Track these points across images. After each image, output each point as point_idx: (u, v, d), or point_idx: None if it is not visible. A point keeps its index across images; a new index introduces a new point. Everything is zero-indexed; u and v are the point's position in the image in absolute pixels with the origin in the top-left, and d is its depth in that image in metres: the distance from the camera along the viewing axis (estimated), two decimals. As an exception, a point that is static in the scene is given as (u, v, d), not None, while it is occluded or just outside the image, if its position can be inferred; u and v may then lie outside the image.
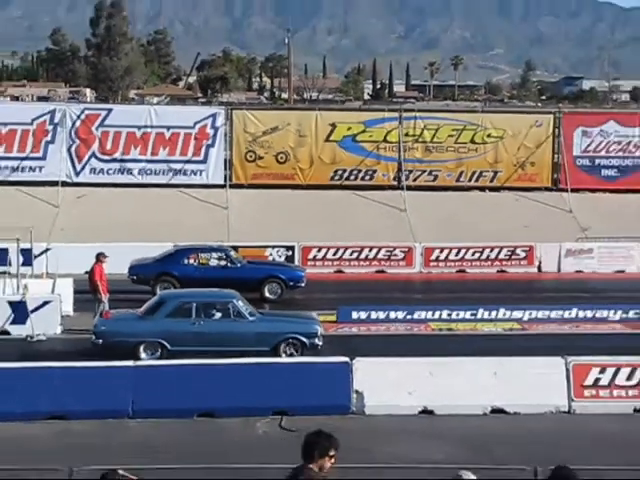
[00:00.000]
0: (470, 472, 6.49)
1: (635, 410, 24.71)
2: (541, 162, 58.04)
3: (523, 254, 47.30)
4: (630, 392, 24.96)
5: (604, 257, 47.01)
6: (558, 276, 46.44)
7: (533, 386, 24.60)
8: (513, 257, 47.22)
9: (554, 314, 35.02)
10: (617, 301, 37.32)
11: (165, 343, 27.90)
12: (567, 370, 24.97)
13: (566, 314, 35.07)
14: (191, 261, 39.50)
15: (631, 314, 35.36)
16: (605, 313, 35.41)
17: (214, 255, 40.03)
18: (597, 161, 58.01)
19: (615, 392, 24.97)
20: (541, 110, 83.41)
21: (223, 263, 39.51)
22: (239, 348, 26.67)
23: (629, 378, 25.07)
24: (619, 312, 35.47)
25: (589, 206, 54.14)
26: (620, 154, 57.98)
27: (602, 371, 25.12)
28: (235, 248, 41.66)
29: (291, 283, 39.81)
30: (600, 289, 41.34)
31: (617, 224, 50.12)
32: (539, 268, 47.22)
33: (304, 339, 28.81)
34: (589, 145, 58.06)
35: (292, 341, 28.78)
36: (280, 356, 27.97)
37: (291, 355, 28.27)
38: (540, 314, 34.85)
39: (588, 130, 58.57)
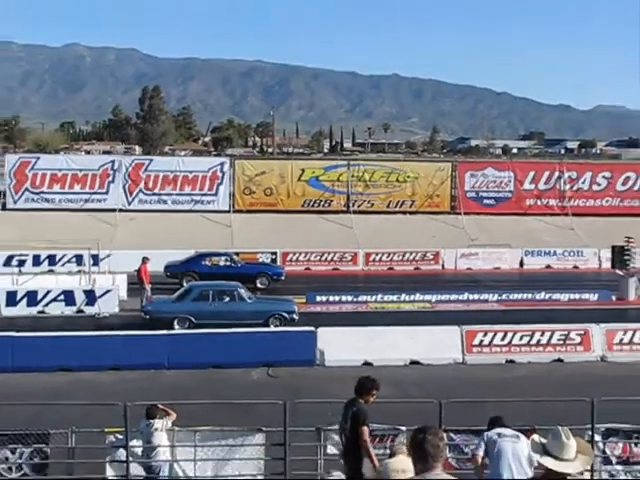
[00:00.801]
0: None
1: (506, 361, 24.93)
2: (443, 194, 58.37)
3: (432, 256, 47.51)
4: (503, 349, 25.21)
5: (486, 258, 47.37)
6: (455, 271, 46.60)
7: (439, 346, 24.87)
8: (425, 258, 47.45)
9: (453, 297, 35.22)
10: (494, 288, 37.58)
11: (192, 318, 28.18)
12: (461, 335, 25.18)
13: (461, 297, 35.33)
14: (207, 262, 39.52)
15: (504, 296, 35.64)
16: (487, 296, 35.65)
17: (222, 258, 40.16)
18: (480, 194, 58.36)
19: (493, 349, 25.19)
20: (443, 160, 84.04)
21: (228, 264, 39.63)
22: (242, 321, 26.95)
23: (502, 339, 25.29)
24: (496, 295, 35.74)
25: (475, 224, 54.35)
26: (495, 189, 58.48)
27: (484, 335, 25.37)
28: (236, 254, 41.78)
29: (275, 277, 40.05)
30: (483, 280, 41.56)
31: (494, 236, 50.47)
32: (442, 266, 47.46)
33: (285, 315, 29.20)
34: (475, 183, 58.42)
35: (277, 316, 29.08)
36: (269, 327, 28.25)
37: (277, 326, 28.50)
38: (443, 297, 35.02)
39: (474, 173, 59.07)
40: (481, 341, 25.28)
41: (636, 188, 59.85)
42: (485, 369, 24.12)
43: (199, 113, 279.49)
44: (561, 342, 25.55)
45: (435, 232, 51.94)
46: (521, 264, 48.02)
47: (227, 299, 29.62)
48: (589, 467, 6.07)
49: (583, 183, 59.60)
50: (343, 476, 12.88)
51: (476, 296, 35.52)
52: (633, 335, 26.03)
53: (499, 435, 9.99)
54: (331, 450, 14.72)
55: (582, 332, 25.88)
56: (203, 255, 40.74)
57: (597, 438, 15.12)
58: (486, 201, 58.54)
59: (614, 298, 35.41)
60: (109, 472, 13.91)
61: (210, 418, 14.85)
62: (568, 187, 58.98)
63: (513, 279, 42.94)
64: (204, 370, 22.72)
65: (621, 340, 25.91)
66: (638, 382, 21.81)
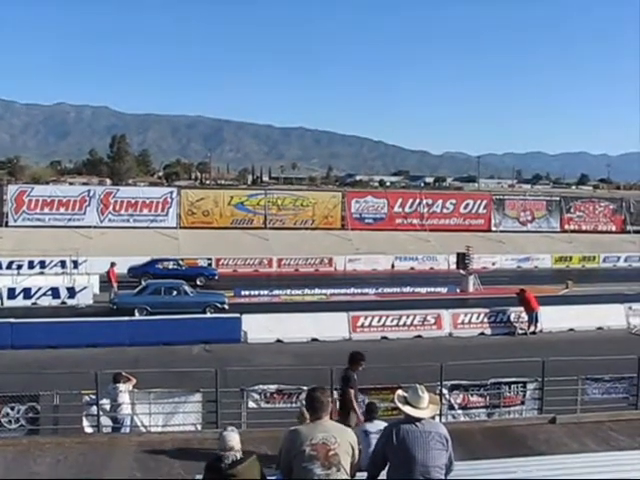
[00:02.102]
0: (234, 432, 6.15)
1: (381, 337, 25.11)
2: (335, 215, 58.76)
3: (327, 261, 47.67)
4: (379, 329, 25.36)
5: (366, 262, 47.73)
6: (344, 272, 46.77)
7: (332, 327, 24.89)
8: (322, 262, 47.58)
9: (342, 291, 35.29)
10: (373, 284, 37.82)
11: (148, 308, 27.69)
12: (348, 319, 25.26)
13: (348, 291, 35.42)
14: (159, 266, 39.12)
15: (379, 290, 35.90)
16: (367, 290, 35.87)
17: (171, 263, 39.90)
18: (362, 215, 58.90)
19: (372, 329, 25.31)
20: (335, 190, 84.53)
21: (175, 267, 39.41)
22: (186, 310, 26.63)
23: (378, 321, 25.47)
24: (374, 289, 36.01)
25: (359, 237, 54.74)
26: (374, 212, 59.14)
27: (365, 318, 25.48)
28: (182, 259, 41.46)
29: (210, 277, 39.97)
30: (365, 278, 41.77)
31: (372, 246, 50.92)
32: (335, 268, 47.60)
33: (219, 305, 29.14)
34: (359, 207, 58.98)
35: (212, 306, 28.93)
36: (206, 314, 27.96)
37: (212, 313, 28.22)
38: (336, 291, 35.04)
39: (358, 200, 59.73)
40: (363, 323, 25.40)
41: (474, 211, 61.34)
42: (366, 343, 24.13)
43: (155, 155, 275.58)
44: (420, 323, 25.88)
45: (330, 243, 52.18)
46: (392, 266, 48.44)
47: (175, 293, 29.20)
48: (437, 412, 6.23)
49: (437, 207, 60.81)
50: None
51: (359, 290, 35.67)
52: (471, 317, 26.62)
53: (366, 433, 9.58)
54: (251, 405, 14.74)
55: (436, 315, 26.28)
56: (156, 260, 40.24)
57: (445, 392, 15.42)
58: (367, 220, 59.13)
59: (458, 290, 36.03)
60: (85, 423, 13.90)
61: (161, 382, 14.78)
62: (426, 210, 60.03)
63: (386, 277, 43.17)
64: (157, 347, 22.40)
65: (463, 320, 26.42)
66: (474, 350, 22.29)
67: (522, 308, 26.83)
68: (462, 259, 37.29)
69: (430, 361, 16.57)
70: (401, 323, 25.70)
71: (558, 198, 67.50)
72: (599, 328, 27.21)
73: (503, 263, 50.06)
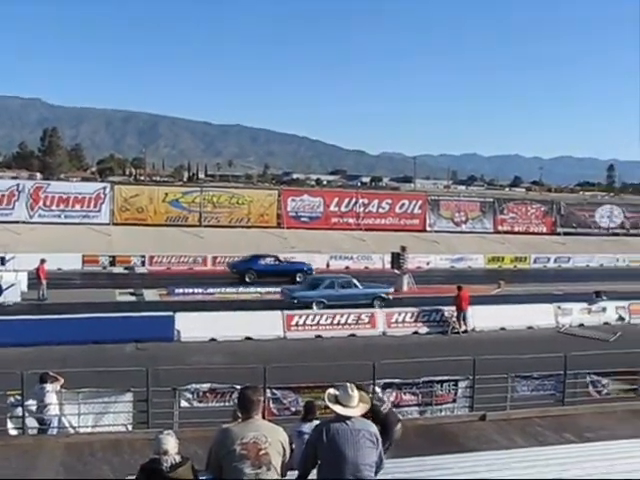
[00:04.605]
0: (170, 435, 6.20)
1: (315, 336, 25.18)
2: (271, 214, 58.72)
3: (262, 259, 47.58)
4: (313, 327, 25.46)
5: (302, 261, 47.72)
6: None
7: (266, 326, 24.90)
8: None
9: (278, 289, 35.18)
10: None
11: (325, 301, 29.42)
12: (283, 317, 25.28)
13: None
14: (262, 262, 40.69)
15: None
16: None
17: (273, 259, 41.56)
18: (299, 213, 59.05)
19: (306, 328, 25.40)
20: (272, 188, 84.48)
21: (277, 262, 41.37)
22: (356, 302, 28.70)
23: (313, 320, 25.59)
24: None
25: (295, 236, 54.79)
26: (310, 210, 59.32)
27: (300, 317, 25.58)
28: (114, 257, 40.98)
29: (308, 272, 40.64)
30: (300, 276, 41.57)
31: (308, 245, 50.98)
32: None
33: (384, 296, 30.88)
34: (295, 206, 59.14)
35: (379, 297, 30.63)
36: (374, 306, 29.15)
37: (380, 305, 29.61)
38: (270, 289, 34.68)
39: (294, 198, 59.89)
40: (297, 322, 25.47)
41: (409, 211, 62.03)
42: (300, 342, 24.32)
43: (88, 149, 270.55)
44: (354, 322, 26.08)
45: (266, 242, 52.01)
46: (327, 265, 48.48)
47: (346, 286, 30.75)
48: (367, 411, 6.28)
49: (372, 207, 61.27)
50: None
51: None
52: (405, 316, 26.93)
53: (300, 433, 9.50)
54: (184, 404, 14.63)
55: (370, 314, 26.53)
56: (258, 256, 41.28)
57: (378, 390, 15.54)
58: (303, 219, 59.26)
59: (393, 290, 36.29)
60: (9, 425, 13.47)
61: (91, 382, 14.50)
62: (362, 210, 60.44)
63: (322, 276, 43.16)
64: (86, 346, 21.96)
65: (396, 320, 26.71)
66: (407, 349, 22.54)
67: (455, 307, 27.27)
68: (397, 259, 37.63)
69: (364, 360, 16.67)
70: (335, 322, 25.84)
71: (492, 199, 68.83)
72: (529, 327, 27.88)
73: (437, 263, 50.72)
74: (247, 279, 38.75)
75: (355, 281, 31.35)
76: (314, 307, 28.53)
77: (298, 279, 39.03)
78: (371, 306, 29.20)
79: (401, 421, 8.45)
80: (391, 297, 31.32)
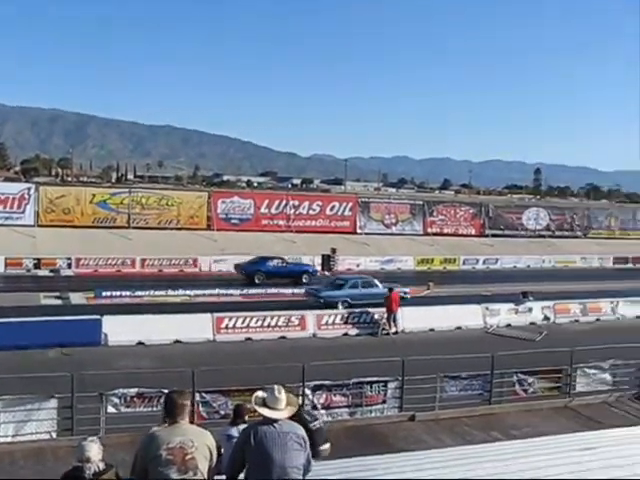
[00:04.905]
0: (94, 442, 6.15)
1: (246, 339, 25.07)
2: (201, 215, 58.18)
3: (192, 261, 47.02)
4: (243, 330, 25.31)
5: (233, 263, 47.30)
6: (210, 273, 46.09)
7: (195, 328, 24.69)
8: (187, 263, 46.92)
9: (207, 292, 35.00)
10: (238, 285, 37.69)
11: (349, 300, 30.71)
12: (212, 320, 25.07)
13: (213, 292, 35.07)
14: (270, 264, 41.47)
15: (244, 291, 35.78)
16: (232, 291, 35.68)
17: (280, 261, 42.35)
18: (229, 215, 58.70)
19: (236, 330, 25.23)
20: (202, 190, 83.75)
21: (284, 264, 42.20)
22: (376, 301, 28.88)
23: (242, 323, 25.44)
24: (239, 290, 35.91)
25: (225, 238, 54.46)
26: (240, 212, 59.07)
27: (229, 320, 25.38)
28: (39, 260, 40.03)
29: (313, 273, 42.07)
30: (230, 279, 41.06)
31: (239, 247, 50.73)
32: (200, 269, 47.02)
33: (403, 295, 30.67)
34: (225, 208, 58.77)
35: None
36: None
37: None
38: (200, 292, 34.67)
39: (225, 200, 59.42)
40: (227, 324, 25.28)
41: (339, 213, 62.37)
42: (230, 345, 24.19)
43: (12, 149, 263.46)
44: (285, 324, 26.03)
45: (195, 243, 51.56)
46: (258, 267, 48.33)
47: (368, 286, 31.92)
48: (294, 413, 6.29)
49: (303, 209, 61.33)
50: None
51: (224, 291, 35.49)
52: (335, 318, 27.09)
53: (229, 437, 9.34)
54: (111, 410, 14.39)
55: (300, 316, 26.51)
56: (266, 258, 41.93)
57: (308, 392, 15.60)
58: (233, 221, 58.92)
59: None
60: None
61: (13, 389, 14.11)
62: (292, 212, 60.48)
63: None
64: (9, 351, 21.30)
65: (327, 322, 26.80)
66: (338, 351, 22.64)
67: (385, 308, 27.53)
68: (327, 260, 37.84)
69: (294, 362, 16.70)
70: (265, 324, 25.75)
71: (421, 202, 69.69)
72: (458, 328, 28.34)
73: (367, 265, 51.00)
74: (256, 280, 39.68)
75: (376, 281, 32.77)
76: (339, 306, 29.96)
77: (304, 280, 40.38)
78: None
79: (329, 441, 8.46)
80: (409, 296, 32.52)
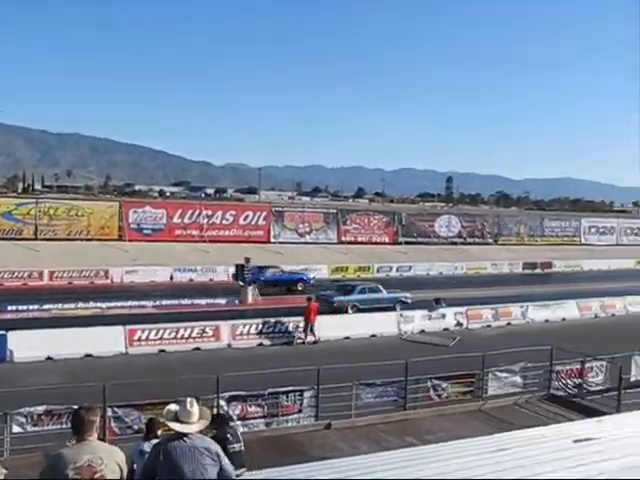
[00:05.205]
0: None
1: (159, 351, 24.67)
2: (112, 226, 57.42)
3: (103, 273, 45.81)
4: (156, 342, 24.92)
5: (145, 274, 46.43)
6: (121, 284, 44.80)
7: (107, 342, 24.16)
8: (98, 275, 45.69)
9: (119, 304, 34.17)
10: (151, 296, 37.04)
11: (358, 305, 33.68)
12: (125, 332, 24.58)
13: (125, 303, 34.31)
14: (269, 273, 43.26)
15: (157, 302, 35.22)
16: (145, 302, 35.08)
17: (277, 270, 44.52)
18: (141, 225, 58.02)
19: (149, 342, 24.82)
20: (113, 199, 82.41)
21: (281, 273, 44.48)
22: (383, 305, 33.64)
23: (156, 334, 25.06)
24: (152, 301, 35.29)
25: (137, 248, 53.60)
26: (152, 222, 58.49)
27: (142, 332, 24.96)
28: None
29: (307, 282, 44.41)
30: (143, 290, 40.40)
31: (151, 257, 49.96)
32: (111, 280, 45.86)
33: (404, 300, 35.05)
34: (137, 218, 58.07)
35: (400, 301, 34.80)
36: (396, 309, 32.94)
37: (401, 307, 33.47)
38: (112, 304, 33.80)
39: (136, 210, 58.94)
40: (140, 337, 24.82)
41: (253, 223, 62.32)
42: (143, 358, 23.76)
43: None
44: (199, 335, 25.75)
45: (104, 255, 50.44)
46: (171, 278, 47.66)
47: (374, 292, 34.90)
48: (221, 428, 6.23)
49: (217, 218, 61.17)
50: None
51: (137, 303, 34.85)
52: (250, 328, 26.92)
53: (141, 452, 9.05)
54: (16, 429, 13.91)
55: (214, 327, 26.26)
56: (262, 267, 42.84)
57: (222, 403, 15.46)
58: (145, 231, 58.28)
59: (237, 302, 36.24)
60: None
61: None
62: (206, 221, 60.12)
63: (165, 289, 42.24)
64: None
65: (241, 332, 26.63)
66: (253, 361, 22.50)
67: (302, 317, 27.56)
68: (241, 270, 37.63)
69: (209, 373, 16.50)
70: (179, 336, 25.42)
71: (335, 210, 70.33)
72: (373, 335, 28.60)
73: (282, 274, 51.04)
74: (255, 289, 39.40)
75: (381, 287, 35.75)
76: (349, 310, 32.66)
77: (299, 288, 42.86)
78: (393, 309, 33.05)
79: (245, 466, 8.41)
80: (409, 301, 35.19)
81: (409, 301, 35.08)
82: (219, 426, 9.00)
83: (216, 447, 6.11)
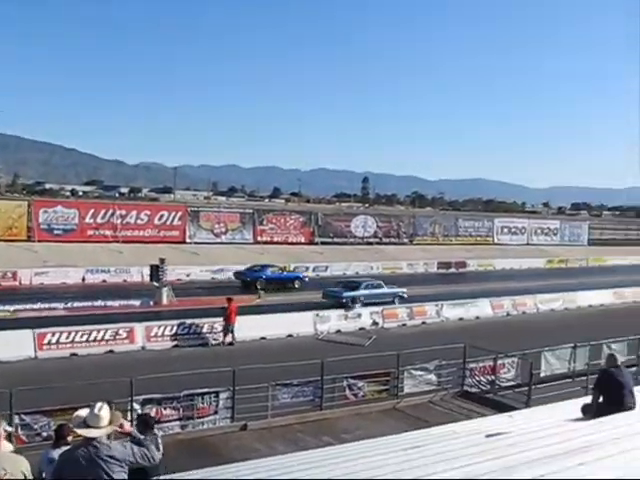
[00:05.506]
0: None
1: (71, 354, 24.09)
2: (21, 226, 55.73)
3: (11, 275, 44.26)
4: (68, 345, 24.44)
5: (56, 275, 45.22)
6: (31, 286, 43.18)
7: (14, 346, 23.45)
8: (5, 277, 44.06)
9: (29, 306, 33.05)
10: (62, 298, 36.02)
11: (363, 299, 36.38)
12: (34, 336, 23.94)
13: (35, 306, 33.15)
14: (269, 271, 45.89)
15: (69, 304, 34.32)
16: (56, 304, 34.08)
17: (276, 268, 47.04)
18: (51, 226, 56.55)
19: (60, 346, 24.23)
20: (22, 199, 79.41)
21: (280, 271, 47.03)
22: (384, 300, 36.36)
23: (67, 338, 24.48)
24: (63, 303, 34.36)
25: (47, 249, 52.26)
26: (64, 222, 57.17)
27: (52, 335, 24.38)
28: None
29: (302, 279, 47.04)
30: (53, 292, 39.24)
31: (62, 258, 48.80)
32: (20, 282, 44.36)
33: (401, 295, 38.26)
34: (47, 217, 56.54)
35: (399, 296, 38.06)
36: (395, 303, 36.54)
37: (400, 302, 36.73)
38: (21, 307, 32.66)
39: (47, 210, 57.35)
40: (50, 340, 24.19)
41: (168, 223, 61.54)
42: (53, 362, 23.15)
43: None
44: (112, 337, 25.27)
45: (12, 256, 48.84)
46: (83, 279, 46.49)
47: (377, 288, 37.87)
48: (116, 430, 6.11)
49: (131, 218, 60.10)
50: None
51: (47, 305, 33.84)
52: (164, 329, 26.58)
53: (50, 460, 8.75)
54: None
55: (128, 329, 25.85)
56: (265, 266, 46.50)
57: (137, 406, 15.21)
58: (56, 231, 56.83)
59: (152, 303, 35.72)
60: None
61: None
62: (119, 221, 59.02)
63: (77, 291, 40.87)
64: None
65: (156, 333, 26.28)
66: (168, 363, 22.24)
67: (218, 318, 27.41)
68: (156, 271, 37.07)
69: (122, 376, 16.22)
70: (92, 338, 24.87)
71: (251, 210, 70.14)
72: (289, 335, 28.64)
73: (197, 274, 50.50)
74: (258, 286, 42.63)
75: (382, 283, 38.89)
76: (356, 306, 34.78)
77: (296, 286, 45.52)
78: (392, 303, 36.31)
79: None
80: (406, 295, 38.28)
81: (406, 295, 38.18)
82: (143, 430, 8.86)
83: (124, 453, 5.96)
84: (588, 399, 10.07)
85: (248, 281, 44.59)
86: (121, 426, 6.31)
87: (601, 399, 9.63)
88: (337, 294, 36.47)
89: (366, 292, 36.96)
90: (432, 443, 7.01)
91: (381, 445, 7.66)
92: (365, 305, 34.90)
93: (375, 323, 31.87)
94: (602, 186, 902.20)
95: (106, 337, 25.17)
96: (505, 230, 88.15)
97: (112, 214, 59.35)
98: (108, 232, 58.51)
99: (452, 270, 64.05)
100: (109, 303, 34.98)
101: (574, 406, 9.68)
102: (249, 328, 27.87)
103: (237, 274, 46.76)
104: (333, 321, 30.76)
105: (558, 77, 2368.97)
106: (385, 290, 38.07)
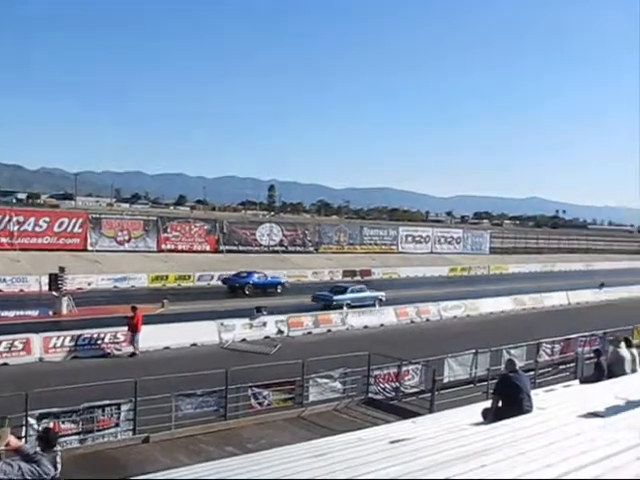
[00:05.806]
0: None
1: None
2: None
3: None
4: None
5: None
6: None
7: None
8: None
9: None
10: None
11: (350, 303, 40.03)
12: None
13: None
14: (256, 277, 48.71)
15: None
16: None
17: (261, 274, 49.47)
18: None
19: None
20: None
21: (264, 277, 49.33)
22: (367, 303, 40.54)
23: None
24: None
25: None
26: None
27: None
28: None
29: (284, 285, 50.41)
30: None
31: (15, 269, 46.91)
32: None
33: (382, 298, 42.17)
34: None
35: (379, 299, 41.83)
36: (375, 306, 39.63)
37: (380, 305, 40.18)
38: None
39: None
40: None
41: (69, 230, 59.79)
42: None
43: None
44: (7, 349, 24.31)
45: None
46: (-24, 290, 44.74)
47: (361, 292, 42.05)
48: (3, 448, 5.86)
49: (29, 225, 57.93)
50: None
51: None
52: (64, 340, 25.79)
53: None
54: None
55: (24, 340, 24.94)
56: (250, 272, 49.04)
57: (32, 421, 14.68)
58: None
59: (51, 313, 34.67)
60: None
61: None
62: (16, 228, 56.92)
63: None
64: None
65: (55, 344, 25.48)
66: (68, 375, 21.55)
67: (121, 328, 26.82)
68: (55, 280, 36.03)
69: (17, 390, 15.63)
70: (-16, 353, 23.88)
71: (155, 218, 68.97)
72: (193, 344, 28.27)
73: (99, 283, 49.39)
74: (246, 291, 46.44)
75: (365, 287, 43.51)
76: (344, 307, 37.85)
77: (278, 290, 48.57)
78: (373, 305, 39.70)
79: None
80: (384, 299, 42.24)
81: (384, 299, 42.09)
82: (44, 447, 8.56)
83: (10, 473, 5.71)
84: (488, 403, 10.34)
85: (237, 286, 47.44)
86: (7, 444, 6.04)
87: (500, 403, 9.89)
88: (327, 298, 40.17)
89: (352, 295, 40.81)
90: (337, 450, 7.01)
91: (285, 454, 7.62)
92: (351, 307, 38.18)
93: (280, 331, 31.82)
94: (504, 195, 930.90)
95: (0, 349, 24.22)
96: (409, 239, 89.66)
97: (9, 220, 57.11)
98: (4, 239, 56.25)
99: (357, 278, 64.62)
100: (4, 314, 33.66)
101: (475, 410, 9.90)
102: (152, 338, 27.35)
103: (225, 280, 49.62)
104: (238, 330, 30.54)
105: (464, 91, 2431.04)
106: (368, 294, 42.26)
